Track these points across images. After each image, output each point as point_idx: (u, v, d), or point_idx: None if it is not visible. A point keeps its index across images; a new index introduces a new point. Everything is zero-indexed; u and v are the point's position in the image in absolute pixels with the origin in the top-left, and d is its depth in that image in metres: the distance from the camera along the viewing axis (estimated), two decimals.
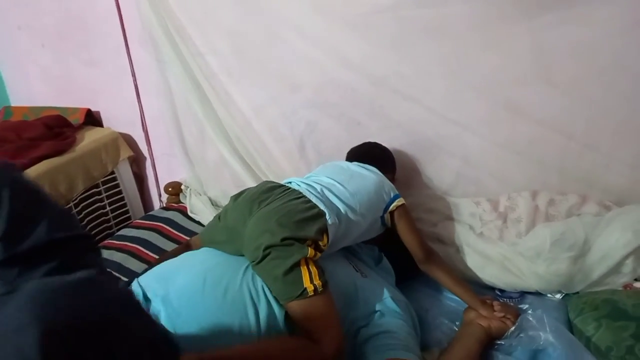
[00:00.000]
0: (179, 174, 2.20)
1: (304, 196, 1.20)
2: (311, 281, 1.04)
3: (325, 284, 1.07)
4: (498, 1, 1.39)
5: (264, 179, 1.86)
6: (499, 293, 1.47)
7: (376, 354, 1.07)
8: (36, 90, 2.47)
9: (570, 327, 1.26)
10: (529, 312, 1.29)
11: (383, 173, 1.42)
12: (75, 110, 2.24)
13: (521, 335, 1.19)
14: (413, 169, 1.73)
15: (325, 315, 1.05)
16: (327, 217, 1.16)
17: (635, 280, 1.35)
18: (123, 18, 2.00)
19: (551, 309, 1.34)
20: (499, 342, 1.22)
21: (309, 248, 1.09)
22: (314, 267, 1.07)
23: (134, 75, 2.10)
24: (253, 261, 1.10)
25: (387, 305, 1.19)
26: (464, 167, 1.65)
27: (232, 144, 1.98)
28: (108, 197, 2.28)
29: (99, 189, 2.23)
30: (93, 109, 2.31)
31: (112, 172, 2.26)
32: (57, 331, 0.49)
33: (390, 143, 1.68)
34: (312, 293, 1.04)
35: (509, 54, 1.45)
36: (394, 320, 1.16)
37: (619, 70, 1.37)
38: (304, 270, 1.05)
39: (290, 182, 1.30)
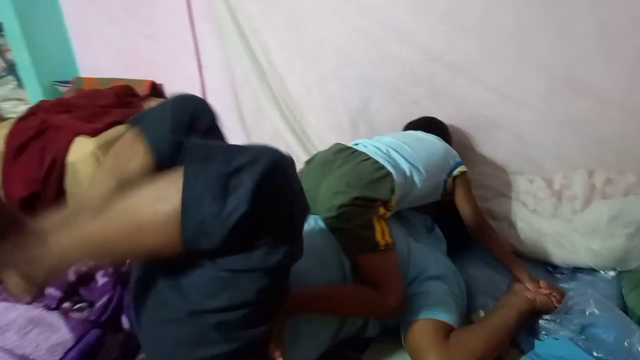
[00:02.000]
0: None
1: (371, 157, 1.25)
2: (383, 237, 1.12)
3: (393, 243, 1.14)
4: None
5: None
6: (551, 269, 1.47)
7: (411, 314, 1.12)
8: (103, 63, 2.59)
9: (623, 302, 1.26)
10: (575, 289, 1.29)
11: None
12: (140, 82, 2.36)
13: (569, 313, 1.19)
14: (467, 145, 1.75)
15: (391, 271, 1.12)
16: (395, 176, 1.21)
17: None
18: None
19: (603, 285, 1.34)
20: (545, 317, 1.22)
21: (380, 207, 1.16)
22: (386, 226, 1.15)
23: (197, 49, 2.18)
24: (326, 219, 1.17)
25: (435, 269, 1.23)
26: (519, 143, 1.65)
27: (287, 118, 2.03)
28: None
29: None
30: (157, 82, 2.42)
31: None
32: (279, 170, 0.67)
33: (445, 119, 1.69)
34: (384, 248, 1.11)
35: (570, 29, 1.45)
36: (436, 283, 1.19)
37: None
38: (377, 226, 1.13)
39: (357, 144, 1.35)
